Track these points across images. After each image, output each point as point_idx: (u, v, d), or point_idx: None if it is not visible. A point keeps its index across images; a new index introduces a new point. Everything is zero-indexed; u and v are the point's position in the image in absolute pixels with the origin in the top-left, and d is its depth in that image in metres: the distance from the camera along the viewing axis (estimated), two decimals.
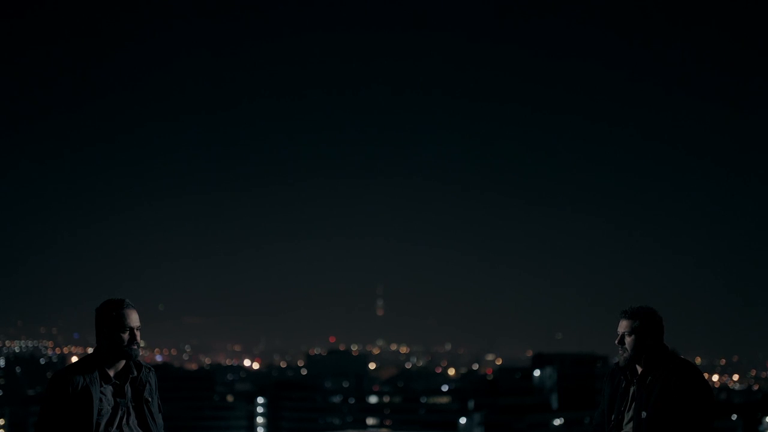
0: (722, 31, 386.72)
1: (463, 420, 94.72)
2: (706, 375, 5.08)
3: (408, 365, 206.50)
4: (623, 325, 5.10)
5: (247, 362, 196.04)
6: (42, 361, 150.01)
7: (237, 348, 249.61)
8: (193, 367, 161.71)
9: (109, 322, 4.70)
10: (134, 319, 4.75)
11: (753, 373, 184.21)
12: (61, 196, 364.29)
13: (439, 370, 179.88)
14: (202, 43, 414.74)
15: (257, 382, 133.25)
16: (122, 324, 4.70)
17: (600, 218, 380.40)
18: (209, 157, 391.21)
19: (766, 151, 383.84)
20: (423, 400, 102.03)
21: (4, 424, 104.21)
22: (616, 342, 5.11)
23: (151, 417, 4.81)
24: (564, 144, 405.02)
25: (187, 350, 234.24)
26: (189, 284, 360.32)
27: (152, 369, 4.91)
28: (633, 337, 5.06)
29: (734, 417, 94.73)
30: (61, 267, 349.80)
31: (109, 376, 4.70)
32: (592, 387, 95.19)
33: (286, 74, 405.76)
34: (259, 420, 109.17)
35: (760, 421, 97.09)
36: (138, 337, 4.75)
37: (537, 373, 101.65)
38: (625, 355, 5.08)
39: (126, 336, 4.71)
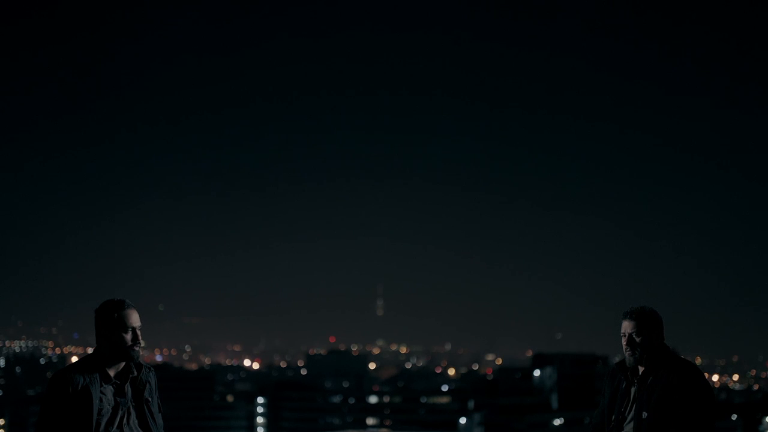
0: (724, 32, 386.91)
1: (463, 420, 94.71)
2: (706, 375, 5.07)
3: (408, 365, 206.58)
4: (628, 326, 5.08)
5: (247, 362, 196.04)
6: (42, 361, 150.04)
7: (237, 348, 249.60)
8: (193, 367, 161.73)
9: (110, 322, 4.70)
10: (135, 319, 4.75)
11: (753, 373, 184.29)
12: (61, 197, 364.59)
13: (439, 370, 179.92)
14: (203, 44, 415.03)
15: (257, 382, 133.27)
16: (124, 325, 4.70)
17: (601, 219, 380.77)
18: (209, 157, 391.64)
19: (766, 152, 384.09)
20: (423, 400, 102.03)
21: (4, 424, 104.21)
22: (625, 343, 5.08)
23: (151, 417, 4.81)
24: (565, 144, 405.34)
25: (187, 350, 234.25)
26: (189, 284, 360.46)
27: (152, 369, 4.90)
28: (641, 338, 5.05)
29: (734, 417, 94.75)
30: (61, 267, 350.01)
31: (110, 376, 4.70)
32: (592, 387, 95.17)
33: (286, 75, 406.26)
34: (259, 420, 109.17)
35: (760, 421, 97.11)
36: (140, 338, 4.75)
37: (537, 373, 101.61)
38: (635, 355, 5.06)
39: (128, 336, 4.71)
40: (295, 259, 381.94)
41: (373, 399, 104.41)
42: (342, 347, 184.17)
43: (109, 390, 4.68)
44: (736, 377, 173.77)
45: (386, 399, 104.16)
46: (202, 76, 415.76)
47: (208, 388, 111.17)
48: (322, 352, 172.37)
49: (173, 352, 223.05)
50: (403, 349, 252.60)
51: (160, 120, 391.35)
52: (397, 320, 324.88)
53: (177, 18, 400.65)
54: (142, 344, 4.79)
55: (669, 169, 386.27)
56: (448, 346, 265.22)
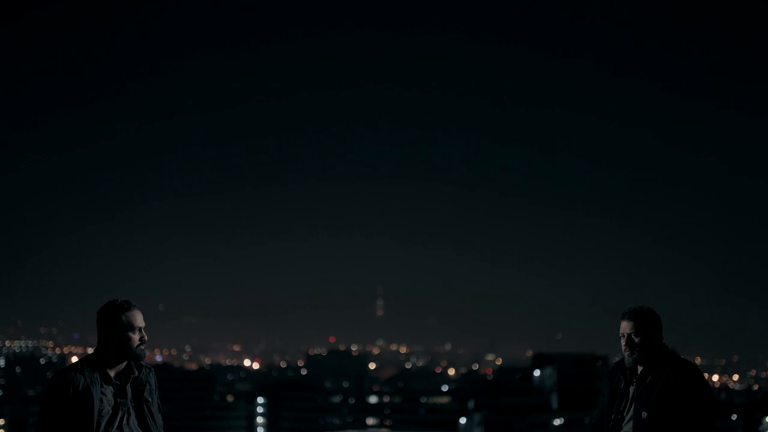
0: (725, 32, 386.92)
1: (463, 420, 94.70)
2: (706, 375, 5.08)
3: (408, 365, 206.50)
4: (627, 327, 5.09)
5: (247, 362, 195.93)
6: (42, 361, 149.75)
7: (237, 348, 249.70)
8: (193, 367, 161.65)
9: (117, 323, 4.71)
10: (141, 319, 4.78)
11: (753, 373, 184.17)
12: (61, 197, 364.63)
13: (439, 370, 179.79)
14: (203, 43, 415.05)
15: (257, 382, 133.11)
16: (131, 325, 4.72)
17: (600, 218, 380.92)
18: (209, 157, 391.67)
19: (766, 151, 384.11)
20: (423, 400, 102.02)
21: (4, 424, 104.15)
22: (624, 344, 5.10)
23: (151, 417, 4.81)
24: (565, 144, 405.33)
25: (187, 350, 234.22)
26: (189, 284, 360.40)
27: (152, 369, 4.91)
28: (640, 338, 5.06)
29: (734, 417, 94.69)
30: (61, 267, 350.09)
31: (110, 376, 4.70)
32: (592, 387, 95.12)
33: (286, 74, 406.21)
34: (259, 420, 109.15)
35: (760, 421, 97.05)
36: (146, 337, 4.77)
37: (537, 373, 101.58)
38: (633, 356, 5.07)
39: (136, 337, 4.73)
40: (295, 258, 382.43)
41: (373, 399, 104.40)
42: (342, 347, 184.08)
43: (109, 390, 4.69)
44: (736, 377, 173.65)
45: (386, 399, 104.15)
46: (202, 76, 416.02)
47: (208, 388, 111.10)
48: (322, 352, 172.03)
49: (173, 352, 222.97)
50: (403, 349, 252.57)
51: (159, 120, 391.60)
52: (397, 320, 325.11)
53: (175, 18, 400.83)
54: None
55: (670, 168, 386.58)
56: (448, 346, 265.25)
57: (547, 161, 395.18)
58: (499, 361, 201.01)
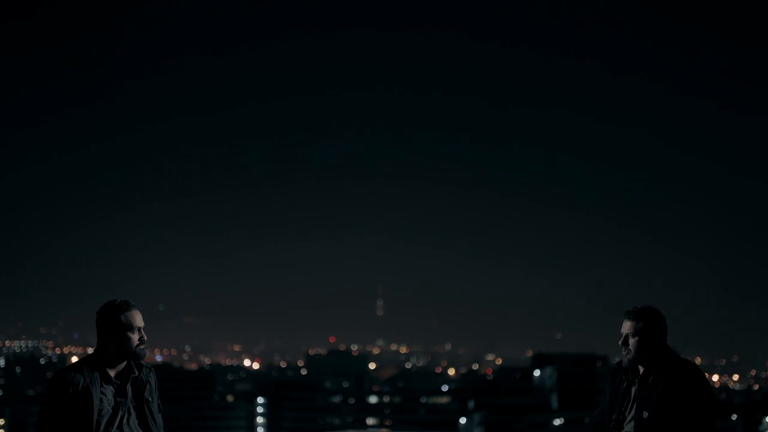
0: (727, 32, 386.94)
1: (463, 420, 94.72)
2: (706, 375, 5.07)
3: (408, 365, 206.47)
4: (627, 326, 5.08)
5: (247, 362, 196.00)
6: (42, 361, 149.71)
7: (237, 348, 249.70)
8: (193, 367, 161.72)
9: (116, 323, 4.72)
10: (140, 319, 4.80)
11: (753, 373, 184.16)
12: (61, 197, 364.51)
13: (439, 370, 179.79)
14: (203, 43, 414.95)
15: (257, 382, 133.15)
16: (130, 325, 4.73)
17: (600, 218, 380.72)
18: (209, 157, 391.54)
19: (766, 151, 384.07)
20: (423, 400, 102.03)
21: (4, 424, 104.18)
22: (620, 343, 5.09)
23: (152, 417, 4.82)
24: (565, 144, 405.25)
25: (187, 350, 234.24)
26: (189, 284, 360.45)
27: (152, 369, 4.92)
28: (637, 338, 5.05)
29: (734, 417, 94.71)
30: (61, 267, 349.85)
31: (110, 376, 4.71)
32: (592, 387, 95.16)
33: (286, 74, 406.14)
34: (259, 420, 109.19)
35: (760, 421, 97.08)
36: (145, 337, 4.78)
37: (537, 373, 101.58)
38: (628, 356, 5.07)
39: (135, 337, 4.74)
40: (294, 258, 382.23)
41: (373, 399, 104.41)
42: (342, 347, 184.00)
43: (109, 390, 4.69)
44: (736, 377, 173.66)
45: (386, 399, 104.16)
46: (202, 76, 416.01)
47: (208, 388, 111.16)
48: (322, 352, 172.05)
49: (173, 352, 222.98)
50: (403, 349, 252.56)
51: (159, 120, 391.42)
52: (397, 320, 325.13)
53: (175, 18, 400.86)
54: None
55: (670, 168, 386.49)
56: (448, 346, 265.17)
57: (547, 161, 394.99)
58: (499, 361, 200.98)
